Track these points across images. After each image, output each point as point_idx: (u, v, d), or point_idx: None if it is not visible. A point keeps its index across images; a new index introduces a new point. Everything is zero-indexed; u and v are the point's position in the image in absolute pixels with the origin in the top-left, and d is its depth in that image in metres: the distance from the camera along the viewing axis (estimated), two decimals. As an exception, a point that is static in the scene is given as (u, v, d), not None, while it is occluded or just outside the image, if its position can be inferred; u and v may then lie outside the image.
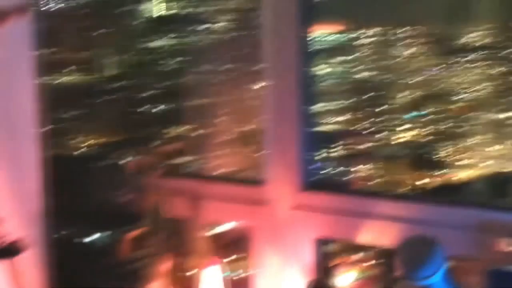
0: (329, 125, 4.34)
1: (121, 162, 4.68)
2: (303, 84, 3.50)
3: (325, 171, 3.82)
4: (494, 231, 2.69)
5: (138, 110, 6.22)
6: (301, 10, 3.71)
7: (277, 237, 3.46)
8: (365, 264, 4.87)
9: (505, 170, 6.93)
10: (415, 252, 2.33)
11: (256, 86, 5.07)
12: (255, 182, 3.70)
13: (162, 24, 6.27)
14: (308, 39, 3.57)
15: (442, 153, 7.47)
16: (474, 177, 6.65)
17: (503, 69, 7.35)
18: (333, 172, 4.65)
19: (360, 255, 4.89)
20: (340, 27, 5.77)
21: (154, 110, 6.09)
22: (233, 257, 4.37)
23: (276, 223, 3.44)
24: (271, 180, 3.56)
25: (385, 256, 4.54)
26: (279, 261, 3.39)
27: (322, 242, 3.50)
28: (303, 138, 3.51)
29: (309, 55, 3.57)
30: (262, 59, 3.79)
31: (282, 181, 3.53)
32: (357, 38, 6.68)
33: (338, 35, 5.96)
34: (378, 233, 3.26)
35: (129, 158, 4.54)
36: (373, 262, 4.86)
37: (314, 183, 3.59)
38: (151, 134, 5.63)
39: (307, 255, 3.38)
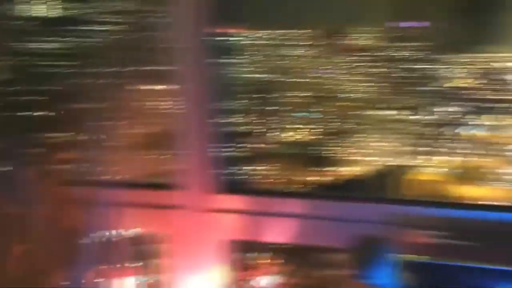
0: (235, 125, 4.36)
1: (7, 170, 4.44)
2: (212, 85, 3.46)
3: (236, 173, 3.81)
4: (401, 223, 2.81)
5: (20, 114, 5.94)
6: (207, 12, 3.75)
7: (190, 240, 3.42)
8: (280, 264, 4.93)
9: (391, 164, 7.24)
10: (366, 252, 2.39)
11: (157, 88, 5.00)
12: (166, 186, 3.64)
13: (46, 26, 6.00)
14: (215, 40, 3.53)
15: (333, 150, 7.71)
16: (363, 172, 6.89)
17: (385, 69, 7.71)
18: (242, 173, 4.69)
19: (274, 255, 4.95)
20: (238, 29, 5.79)
21: (38, 114, 5.85)
22: (146, 263, 4.29)
23: (188, 227, 3.40)
24: (183, 184, 3.51)
25: (297, 254, 4.63)
26: (193, 265, 3.35)
27: (237, 244, 3.50)
28: (214, 140, 3.45)
29: (216, 56, 3.53)
30: (162, 60, 3.72)
31: (193, 185, 3.49)
32: (248, 39, 6.73)
33: (235, 37, 5.98)
34: (289, 232, 3.31)
35: (17, 166, 4.32)
36: (287, 261, 4.93)
37: (226, 185, 3.57)
38: (36, 140, 5.40)
39: (222, 257, 3.36)
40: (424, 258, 2.51)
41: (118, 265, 3.75)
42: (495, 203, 5.61)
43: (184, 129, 3.45)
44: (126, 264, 3.83)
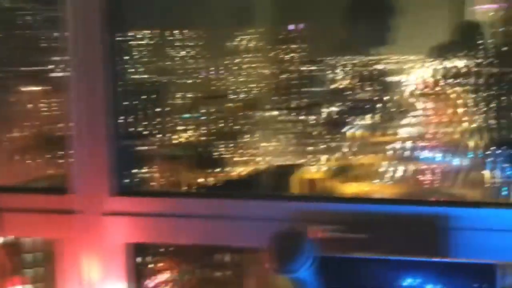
0: (127, 127, 4.29)
1: None
2: (103, 86, 3.39)
3: (129, 175, 3.75)
4: (306, 220, 2.89)
5: None
6: (97, 11, 3.64)
7: (84, 245, 3.32)
8: (178, 266, 4.90)
9: (280, 164, 7.39)
10: (284, 246, 2.41)
11: (44, 89, 4.81)
12: (57, 190, 3.51)
13: None
14: (105, 40, 3.45)
15: (222, 151, 7.76)
16: (253, 172, 6.97)
17: (272, 70, 7.85)
18: (136, 175, 4.61)
19: (172, 257, 4.92)
20: (129, 30, 5.69)
21: None
22: (35, 271, 4.12)
23: (81, 232, 3.30)
24: (74, 187, 3.40)
25: (194, 255, 4.62)
26: (88, 271, 3.26)
27: (136, 247, 3.44)
28: (106, 142, 3.36)
29: (106, 56, 3.45)
30: (49, 61, 3.60)
31: (85, 188, 3.38)
32: (137, 40, 6.65)
33: (126, 37, 5.88)
34: (188, 232, 3.31)
35: None
36: (185, 262, 4.91)
37: (120, 187, 3.50)
38: None
39: (122, 260, 3.29)
40: (328, 253, 2.58)
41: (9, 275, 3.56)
42: (383, 197, 5.84)
43: (75, 131, 3.32)
44: (13, 273, 3.64)
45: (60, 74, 5.01)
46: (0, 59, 5.18)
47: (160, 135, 6.91)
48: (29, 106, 5.40)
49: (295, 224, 2.96)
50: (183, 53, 7.31)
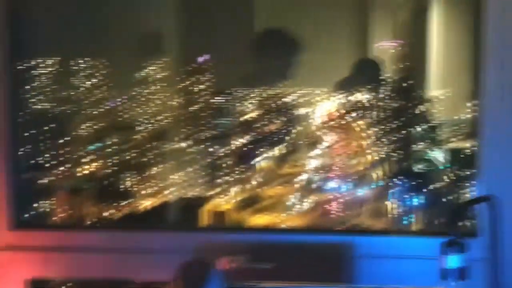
0: (29, 159, 4.19)
1: None
2: (9, 116, 3.33)
3: (31, 208, 3.66)
4: (214, 251, 2.93)
5: None
6: (5, 42, 3.71)
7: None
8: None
9: (187, 196, 7.38)
10: (192, 276, 2.41)
11: None
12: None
13: None
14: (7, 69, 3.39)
15: (128, 183, 7.68)
16: (161, 204, 6.93)
17: (182, 101, 7.89)
18: (38, 208, 4.50)
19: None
20: (33, 58, 5.63)
21: None
22: None
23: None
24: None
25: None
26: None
27: (37, 282, 3.35)
28: (10, 173, 3.31)
29: (8, 85, 3.40)
30: None
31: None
32: (36, 68, 6.54)
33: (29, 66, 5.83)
34: (93, 267, 3.26)
35: None
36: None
37: (21, 221, 3.41)
38: None
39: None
40: (235, 283, 2.61)
41: None
42: (290, 227, 5.92)
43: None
44: None
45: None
46: None
47: (64, 167, 6.75)
48: None
49: (203, 255, 2.94)
50: (88, 82, 7.22)
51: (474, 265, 2.48)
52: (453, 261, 2.50)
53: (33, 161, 6.10)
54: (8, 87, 3.37)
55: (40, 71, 6.75)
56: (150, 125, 8.15)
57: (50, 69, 7.00)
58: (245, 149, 9.86)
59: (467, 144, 6.49)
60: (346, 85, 7.43)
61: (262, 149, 9.66)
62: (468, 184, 5.89)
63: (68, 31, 6.34)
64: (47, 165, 6.65)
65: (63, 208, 6.41)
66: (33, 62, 6.61)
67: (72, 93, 7.27)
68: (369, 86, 8.06)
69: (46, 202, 6.17)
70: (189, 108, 8.51)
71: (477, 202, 2.80)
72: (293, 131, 9.62)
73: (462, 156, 5.97)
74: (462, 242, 2.46)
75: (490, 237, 2.58)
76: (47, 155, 6.66)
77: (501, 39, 3.28)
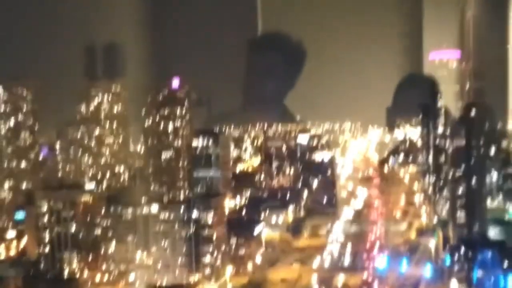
0: None
1: None
2: None
3: None
4: None
5: None
6: None
7: None
8: None
9: (159, 283, 7.92)
10: None
11: None
12: None
13: None
14: None
15: (72, 267, 8.06)
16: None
17: (148, 144, 8.12)
18: None
19: None
20: None
21: None
22: None
23: None
24: None
25: None
26: None
27: None
28: None
29: None
30: None
31: None
32: None
33: None
34: None
35: None
36: None
37: None
38: None
39: None
40: None
41: None
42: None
43: None
44: None
45: None
46: None
47: None
48: None
49: None
50: (10, 121, 7.39)
51: None
52: None
53: None
54: None
55: None
56: (103, 181, 8.37)
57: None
58: (243, 212, 10.46)
59: None
60: (388, 116, 7.88)
61: (267, 213, 10.25)
62: None
63: None
64: None
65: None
66: None
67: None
68: (421, 117, 8.65)
69: None
70: (161, 156, 8.74)
71: None
72: (312, 185, 10.35)
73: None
74: None
75: None
76: None
77: None
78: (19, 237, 16.04)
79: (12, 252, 14.86)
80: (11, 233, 14.86)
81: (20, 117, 14.10)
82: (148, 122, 14.33)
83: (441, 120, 30.10)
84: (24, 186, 14.67)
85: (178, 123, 14.17)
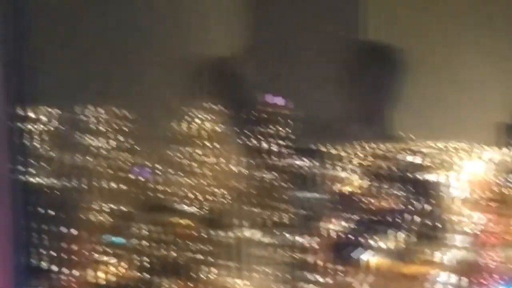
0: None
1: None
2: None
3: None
4: None
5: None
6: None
7: None
8: None
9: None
10: None
11: None
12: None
13: None
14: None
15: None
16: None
17: (244, 164, 7.58)
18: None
19: None
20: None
21: None
22: None
23: None
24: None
25: None
26: None
27: None
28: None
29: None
30: None
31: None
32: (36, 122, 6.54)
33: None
34: None
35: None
36: None
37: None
38: None
39: None
40: None
41: None
42: None
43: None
44: None
45: None
46: None
47: (73, 272, 6.44)
48: None
49: None
50: (108, 142, 7.03)
51: None
52: None
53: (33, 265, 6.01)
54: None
55: (40, 127, 6.59)
56: (198, 204, 7.88)
57: (50, 124, 6.74)
58: (344, 236, 9.37)
59: None
60: (507, 136, 7.20)
61: (371, 237, 9.14)
62: None
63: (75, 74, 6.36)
64: (47, 268, 6.37)
65: None
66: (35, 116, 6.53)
67: (79, 158, 6.93)
68: None
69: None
70: (262, 176, 8.07)
71: None
72: (419, 207, 9.10)
73: None
74: None
75: None
76: (46, 252, 6.33)
77: None
78: (118, 261, 16.41)
79: (109, 277, 15.16)
80: (107, 258, 15.16)
81: (120, 137, 14.34)
82: (248, 143, 14.16)
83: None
84: (121, 209, 14.94)
85: (280, 142, 13.85)
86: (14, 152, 4.46)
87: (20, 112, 5.25)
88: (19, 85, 4.74)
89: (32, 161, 6.04)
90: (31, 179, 5.87)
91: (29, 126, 5.81)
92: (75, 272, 6.09)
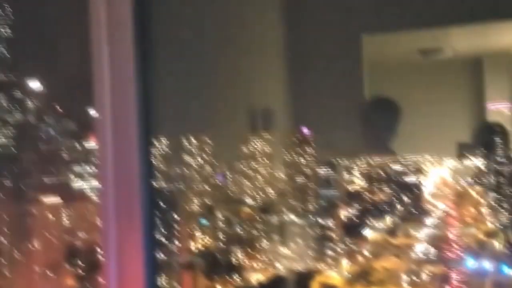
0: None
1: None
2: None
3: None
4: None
5: None
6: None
7: None
8: None
9: (296, 269, 7.37)
10: None
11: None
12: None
13: None
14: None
15: (238, 257, 7.79)
16: (273, 278, 6.95)
17: (289, 173, 7.95)
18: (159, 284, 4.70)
19: None
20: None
21: None
22: None
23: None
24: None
25: None
26: None
27: None
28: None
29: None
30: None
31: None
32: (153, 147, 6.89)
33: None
34: None
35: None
36: None
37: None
38: None
39: None
40: None
41: None
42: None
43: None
44: None
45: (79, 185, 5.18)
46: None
47: (178, 243, 6.98)
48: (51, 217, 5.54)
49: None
50: (199, 159, 7.51)
51: None
52: None
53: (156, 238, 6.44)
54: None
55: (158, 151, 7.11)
56: (257, 198, 8.29)
57: (163, 147, 7.39)
58: (353, 219, 9.76)
59: None
60: (461, 150, 7.27)
61: (372, 220, 9.52)
62: None
63: (184, 109, 6.66)
64: (165, 241, 6.92)
65: (181, 283, 6.64)
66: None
67: (186, 171, 7.60)
68: (486, 151, 7.77)
69: (165, 278, 6.39)
70: (296, 180, 8.62)
71: None
72: (403, 199, 9.43)
73: None
74: None
75: None
76: (165, 232, 6.94)
77: None
78: (203, 236, 16.67)
79: (199, 246, 15.38)
80: (198, 234, 15.55)
81: (205, 156, 14.67)
82: (288, 158, 14.58)
83: (500, 152, 28.64)
84: (207, 201, 15.23)
85: (308, 158, 14.32)
86: (146, 166, 4.46)
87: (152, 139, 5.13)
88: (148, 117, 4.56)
89: (155, 172, 6.44)
90: (154, 184, 6.35)
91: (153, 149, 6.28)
92: (180, 244, 6.57)
